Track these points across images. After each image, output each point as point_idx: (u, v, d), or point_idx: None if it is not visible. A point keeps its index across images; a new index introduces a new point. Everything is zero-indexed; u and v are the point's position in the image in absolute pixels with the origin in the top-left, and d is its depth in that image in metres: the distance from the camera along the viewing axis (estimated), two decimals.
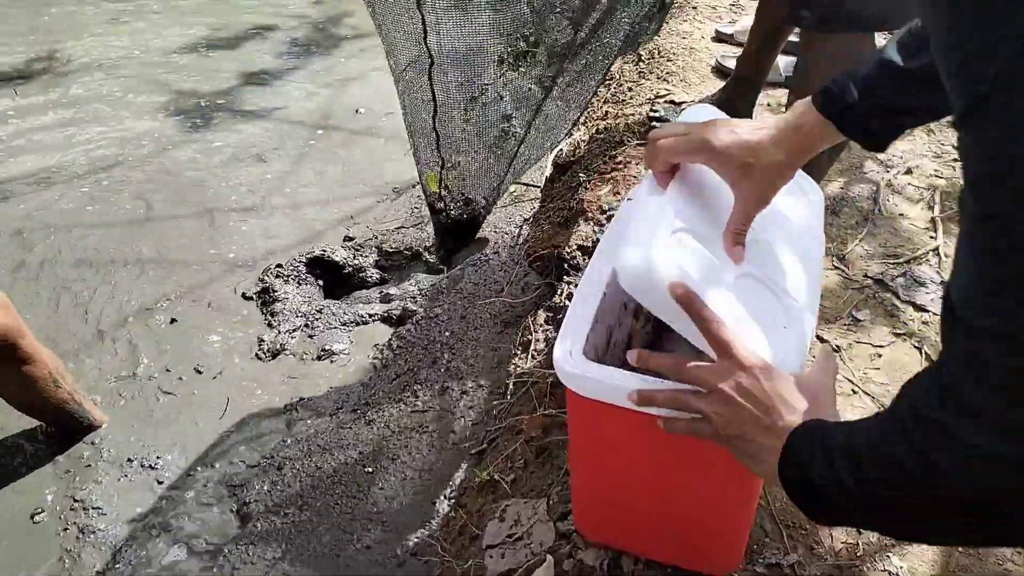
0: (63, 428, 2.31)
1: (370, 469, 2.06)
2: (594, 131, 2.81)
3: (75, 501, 2.12)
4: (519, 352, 2.06)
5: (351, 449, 2.16)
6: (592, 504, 1.38)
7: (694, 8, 3.58)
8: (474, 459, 1.84)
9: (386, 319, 2.83)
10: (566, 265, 2.22)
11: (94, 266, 3.04)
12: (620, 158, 2.47)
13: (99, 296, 2.89)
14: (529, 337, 2.03)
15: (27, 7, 5.30)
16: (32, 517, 2.08)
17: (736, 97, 2.50)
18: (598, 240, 2.19)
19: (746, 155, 0.91)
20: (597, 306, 1.25)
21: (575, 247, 2.23)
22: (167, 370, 2.61)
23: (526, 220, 2.97)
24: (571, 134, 3.08)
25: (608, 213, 2.27)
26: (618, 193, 2.32)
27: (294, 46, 4.99)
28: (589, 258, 2.29)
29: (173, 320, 2.82)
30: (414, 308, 2.78)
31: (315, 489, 2.06)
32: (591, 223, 2.29)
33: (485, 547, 1.48)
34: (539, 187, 3.09)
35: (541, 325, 2.06)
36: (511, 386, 1.92)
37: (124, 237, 3.20)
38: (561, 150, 2.99)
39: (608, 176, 2.41)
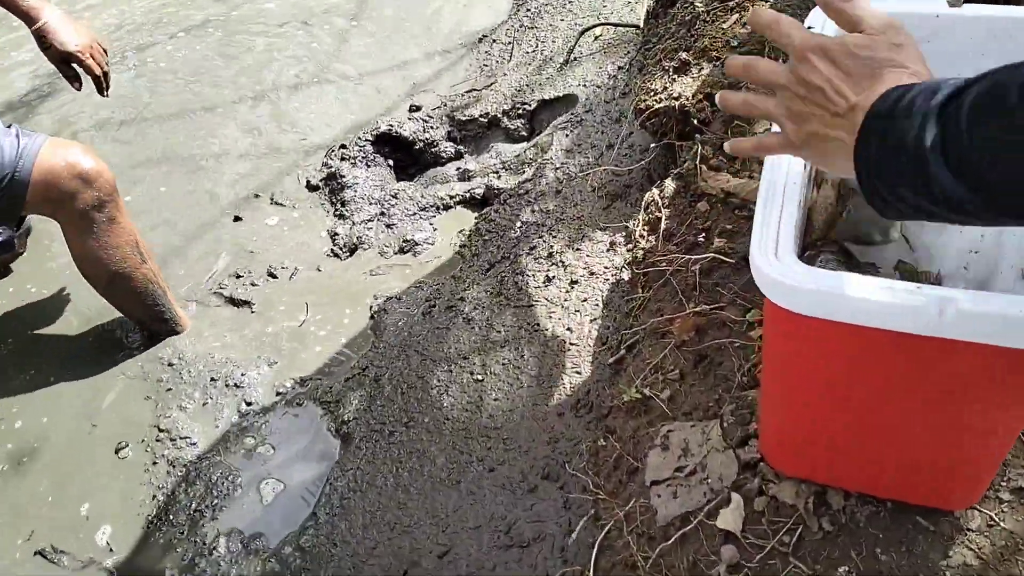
0: (146, 327, 2.10)
1: (480, 376, 1.80)
2: None
3: (160, 431, 1.94)
4: (644, 231, 1.71)
5: (453, 354, 1.89)
6: (790, 431, 1.08)
7: None
8: (610, 369, 1.55)
9: (469, 201, 2.50)
10: (693, 120, 1.82)
11: (139, 165, 2.76)
12: None
13: (151, 197, 2.62)
14: (657, 214, 1.68)
15: None
16: (117, 452, 1.91)
17: None
18: (729, 85, 1.77)
19: None
20: (803, 183, 0.93)
21: (700, 96, 1.81)
22: (238, 276, 2.36)
23: (621, 68, 2.52)
24: None
25: (741, 50, 1.83)
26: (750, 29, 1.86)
27: None
28: (719, 110, 1.88)
29: (237, 218, 2.54)
30: (499, 185, 2.43)
31: (420, 403, 1.82)
32: (719, 67, 1.86)
33: (649, 483, 1.20)
34: (635, 26, 2.62)
35: (669, 198, 1.69)
36: (642, 276, 1.59)
37: (168, 131, 2.89)
38: None
39: (735, 4, 1.94)
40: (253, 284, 2.34)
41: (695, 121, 1.80)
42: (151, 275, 2.02)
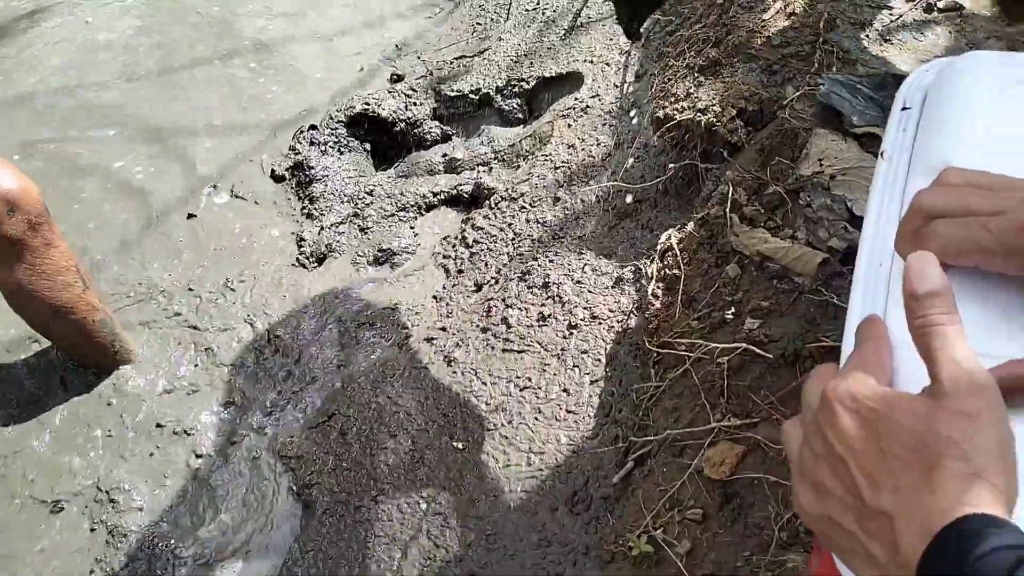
0: (89, 361, 1.84)
1: (461, 444, 1.54)
2: None
3: (99, 490, 1.69)
4: (659, 289, 1.41)
5: (431, 408, 1.63)
6: None
7: None
8: (614, 488, 1.27)
9: (455, 200, 2.17)
10: (721, 141, 1.49)
11: (73, 139, 2.42)
12: None
13: (87, 192, 2.30)
14: (675, 271, 1.37)
15: None
16: (53, 511, 1.67)
17: None
18: (771, 106, 1.44)
19: None
20: None
21: (732, 114, 1.48)
22: (189, 289, 2.07)
23: (635, 44, 2.15)
24: None
25: (786, 50, 1.48)
26: (798, 24, 1.50)
27: None
28: (755, 130, 1.55)
29: (190, 215, 2.23)
30: (490, 184, 2.10)
31: (392, 471, 1.56)
32: (756, 71, 1.51)
33: None
34: None
35: (691, 251, 1.38)
36: (655, 354, 1.30)
37: (107, 105, 2.54)
38: None
39: None
40: (208, 300, 2.05)
41: (724, 144, 1.47)
42: (95, 302, 1.75)
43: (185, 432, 1.78)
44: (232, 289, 2.06)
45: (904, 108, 0.84)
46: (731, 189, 1.34)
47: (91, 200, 2.27)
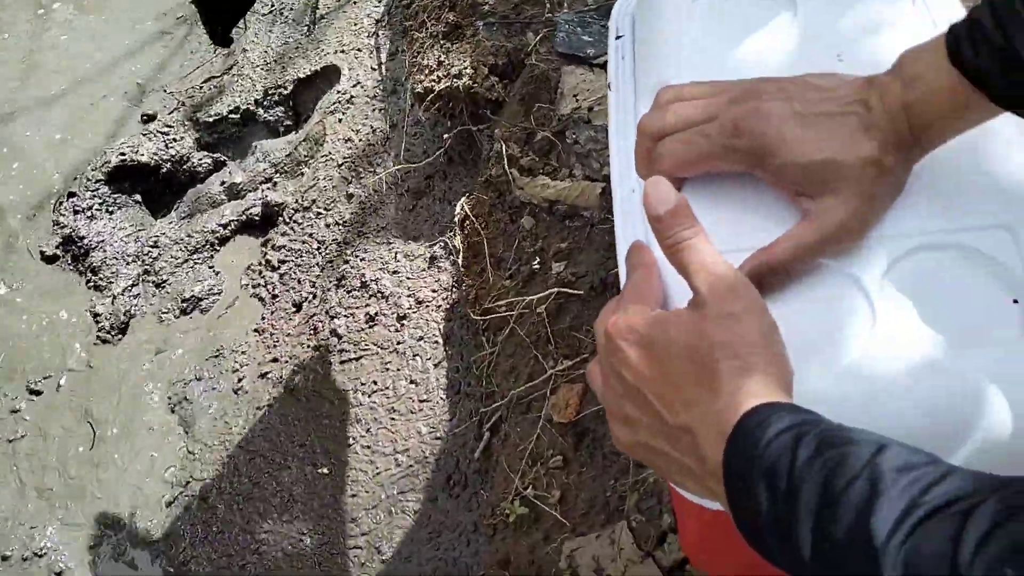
0: None
1: (325, 468, 1.51)
2: None
3: None
4: (468, 257, 1.43)
5: (285, 444, 1.58)
6: (721, 523, 0.90)
7: None
8: (479, 461, 1.30)
9: (247, 225, 2.08)
10: (482, 101, 1.52)
11: None
12: None
13: None
14: (476, 237, 1.39)
15: None
16: None
17: None
18: (518, 56, 1.48)
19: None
20: None
21: (486, 72, 1.50)
22: None
23: (379, 22, 2.12)
24: None
25: (519, 9, 1.52)
26: None
27: None
28: (511, 82, 1.58)
29: None
30: (277, 200, 2.03)
31: (264, 518, 1.51)
32: (496, 27, 1.54)
33: None
34: None
35: (485, 214, 1.41)
36: (482, 321, 1.32)
37: None
38: None
39: None
40: (14, 411, 1.86)
41: (487, 103, 1.49)
42: None
43: (37, 555, 1.63)
44: (38, 392, 1.88)
45: (618, 37, 0.88)
46: (503, 146, 1.37)
47: None
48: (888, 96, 0.51)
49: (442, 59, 1.60)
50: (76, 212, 2.13)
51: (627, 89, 0.82)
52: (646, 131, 0.62)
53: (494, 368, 1.27)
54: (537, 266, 1.26)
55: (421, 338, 1.56)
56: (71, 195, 2.17)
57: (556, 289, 1.19)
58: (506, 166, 1.34)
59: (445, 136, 1.60)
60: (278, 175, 2.10)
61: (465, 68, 1.53)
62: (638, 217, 0.71)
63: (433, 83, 1.59)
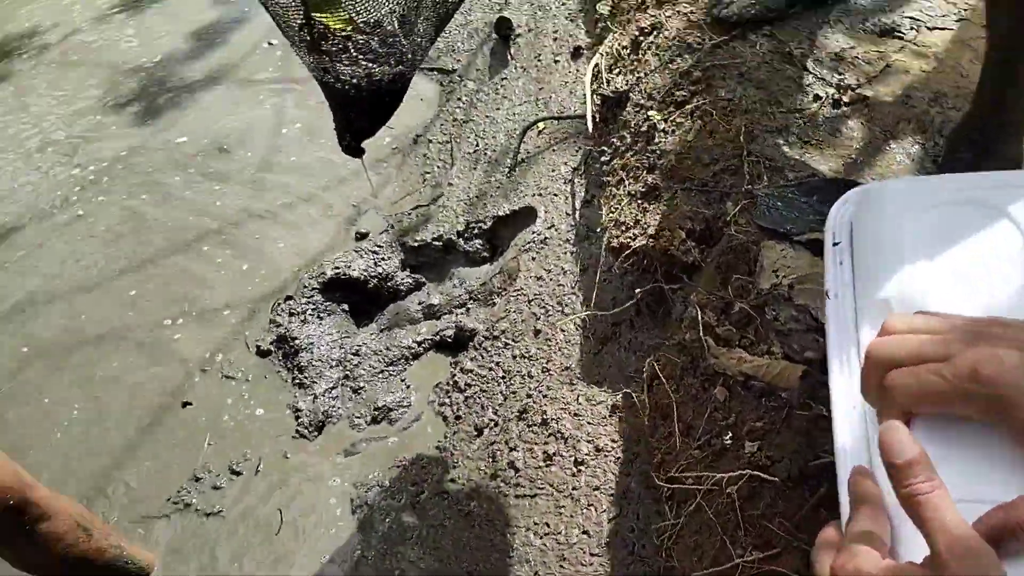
0: None
1: None
2: (643, 28, 2.05)
3: None
4: (656, 417, 1.47)
5: (453, 566, 1.64)
6: None
7: None
8: None
9: (440, 344, 2.24)
10: (677, 263, 1.58)
11: (69, 347, 2.46)
12: (701, 72, 1.75)
13: (81, 386, 2.34)
14: (666, 399, 1.43)
15: None
16: None
17: (991, 129, 1.37)
18: (716, 223, 1.54)
19: None
20: None
21: (683, 235, 1.58)
22: (196, 479, 2.08)
23: (576, 170, 2.28)
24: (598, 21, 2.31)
25: (716, 167, 1.59)
26: (721, 141, 1.62)
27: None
28: (707, 246, 1.65)
29: (186, 404, 2.27)
30: (470, 325, 2.18)
31: None
32: (694, 192, 1.62)
33: None
34: (580, 117, 2.38)
35: (676, 377, 1.45)
36: (667, 488, 1.35)
37: (89, 304, 2.60)
38: (598, 64, 2.25)
39: (692, 107, 1.70)
40: (216, 487, 2.07)
41: (681, 265, 1.56)
42: (102, 541, 1.75)
43: None
44: (238, 473, 2.08)
45: (835, 244, 0.91)
46: (699, 312, 1.42)
47: (86, 409, 2.29)
48: None
49: (639, 218, 1.69)
50: (291, 314, 2.39)
51: (846, 300, 0.85)
52: (876, 358, 0.63)
53: (676, 541, 1.28)
54: (729, 441, 1.27)
55: (597, 488, 1.59)
56: (288, 298, 2.44)
57: (749, 471, 1.20)
58: (701, 333, 1.39)
59: (637, 291, 1.67)
60: (472, 302, 2.26)
61: (662, 229, 1.61)
62: (859, 433, 0.73)
63: (629, 240, 1.68)
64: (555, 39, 2.77)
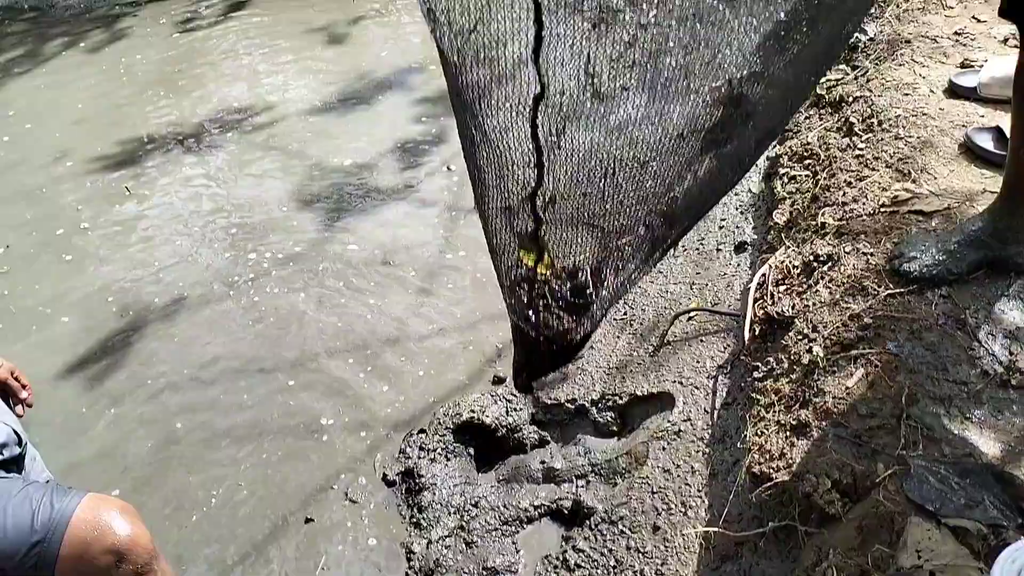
0: None
1: None
2: (819, 256, 2.11)
3: None
4: None
5: None
6: None
7: (906, 42, 2.77)
8: None
9: (555, 513, 2.28)
10: (816, 509, 1.58)
11: (186, 454, 2.68)
12: (872, 319, 1.78)
13: (211, 495, 2.52)
14: None
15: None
16: None
17: (1013, 229, 1.72)
18: (863, 480, 1.54)
19: None
20: None
21: (828, 484, 1.58)
22: None
23: (722, 368, 2.32)
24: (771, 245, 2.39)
25: (871, 421, 1.60)
26: (880, 395, 1.63)
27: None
28: (850, 500, 1.65)
29: (308, 520, 2.40)
30: (589, 503, 2.21)
31: None
32: (845, 441, 1.63)
33: None
34: (734, 315, 2.44)
35: None
36: None
37: (222, 410, 2.83)
38: (765, 275, 2.32)
39: (858, 353, 1.73)
40: None
41: (820, 512, 1.56)
42: None
43: None
44: None
45: None
46: (836, 573, 1.41)
47: (211, 514, 2.47)
48: None
49: (785, 451, 1.71)
50: (422, 449, 2.50)
51: None
52: None
53: None
54: None
55: None
56: (421, 431, 2.57)
57: None
58: None
59: (770, 524, 1.67)
60: (593, 475, 2.31)
61: (807, 472, 1.62)
62: None
63: (772, 471, 1.70)
64: (720, 227, 2.87)
